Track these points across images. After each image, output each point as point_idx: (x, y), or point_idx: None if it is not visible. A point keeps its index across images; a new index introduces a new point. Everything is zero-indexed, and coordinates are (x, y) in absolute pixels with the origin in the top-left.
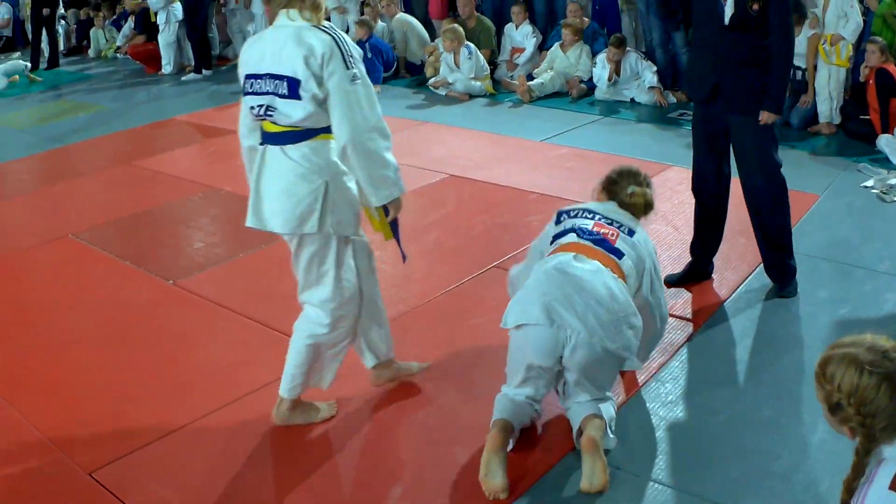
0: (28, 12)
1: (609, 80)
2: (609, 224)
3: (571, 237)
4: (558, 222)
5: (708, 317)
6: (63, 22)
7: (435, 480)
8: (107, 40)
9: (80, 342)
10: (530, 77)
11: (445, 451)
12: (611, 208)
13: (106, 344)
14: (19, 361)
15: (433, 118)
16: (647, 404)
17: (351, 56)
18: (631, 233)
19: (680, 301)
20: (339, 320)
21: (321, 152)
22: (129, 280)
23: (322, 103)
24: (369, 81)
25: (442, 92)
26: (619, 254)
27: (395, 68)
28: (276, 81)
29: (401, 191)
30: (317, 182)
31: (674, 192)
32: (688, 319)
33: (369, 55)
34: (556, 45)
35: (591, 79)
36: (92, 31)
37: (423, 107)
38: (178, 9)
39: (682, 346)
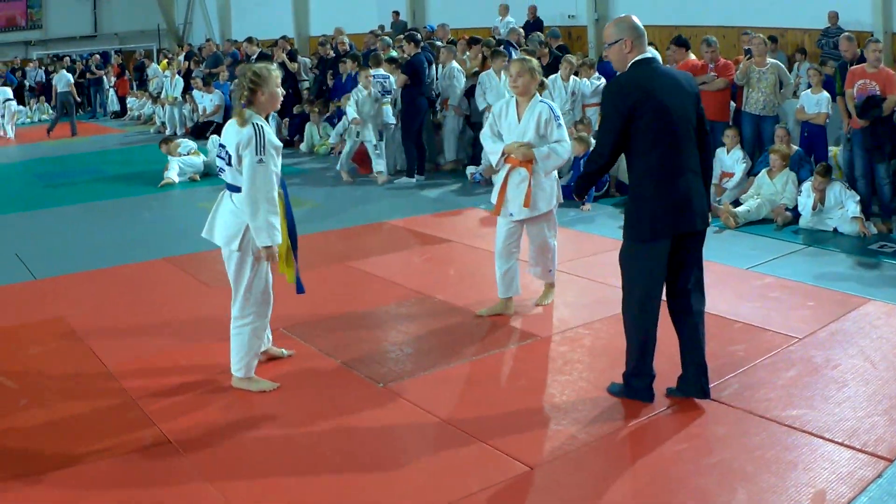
0: None
1: (814, 208)
2: None
3: None
4: None
5: None
6: (275, 115)
7: None
8: (320, 136)
9: (288, 434)
10: (737, 203)
11: None
12: None
13: (313, 438)
14: (224, 445)
15: None
16: None
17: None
18: None
19: (872, 437)
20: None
21: None
22: (338, 379)
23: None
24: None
25: None
26: None
27: (606, 187)
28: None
29: (272, 242)
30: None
31: (873, 327)
32: (877, 456)
33: (582, 171)
34: (764, 171)
35: (795, 206)
36: (307, 126)
37: None
38: (387, 112)
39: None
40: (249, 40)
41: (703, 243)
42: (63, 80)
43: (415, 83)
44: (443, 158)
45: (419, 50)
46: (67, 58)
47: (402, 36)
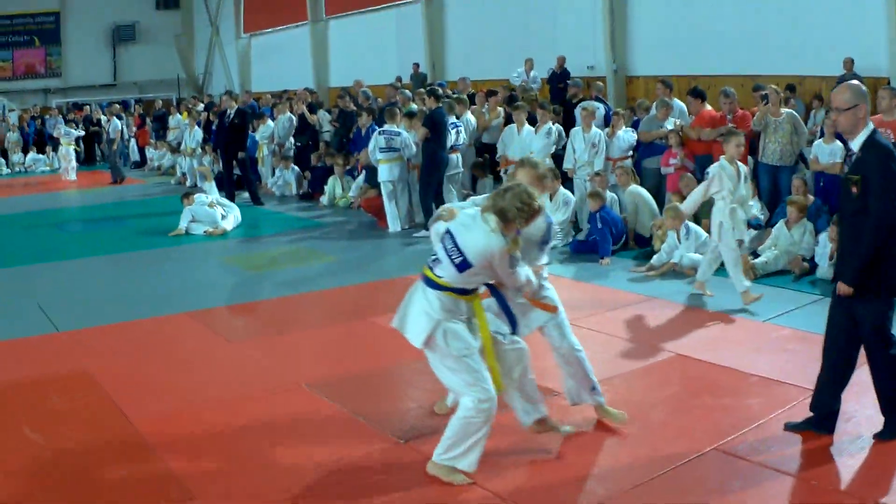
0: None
1: (830, 258)
2: None
3: None
4: None
5: None
6: (295, 168)
7: None
8: (343, 189)
9: (314, 491)
10: (754, 254)
11: None
12: None
13: (339, 496)
14: None
15: (659, 293)
16: None
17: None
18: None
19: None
20: None
21: None
22: (362, 436)
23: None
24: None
25: (650, 275)
26: None
27: (624, 240)
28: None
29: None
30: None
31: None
32: None
33: (599, 225)
34: (781, 221)
35: (813, 257)
36: (330, 179)
37: (650, 281)
38: (388, 168)
39: None
40: (228, 94)
41: None
42: (113, 127)
43: (435, 136)
44: None
45: (440, 104)
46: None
47: (422, 90)
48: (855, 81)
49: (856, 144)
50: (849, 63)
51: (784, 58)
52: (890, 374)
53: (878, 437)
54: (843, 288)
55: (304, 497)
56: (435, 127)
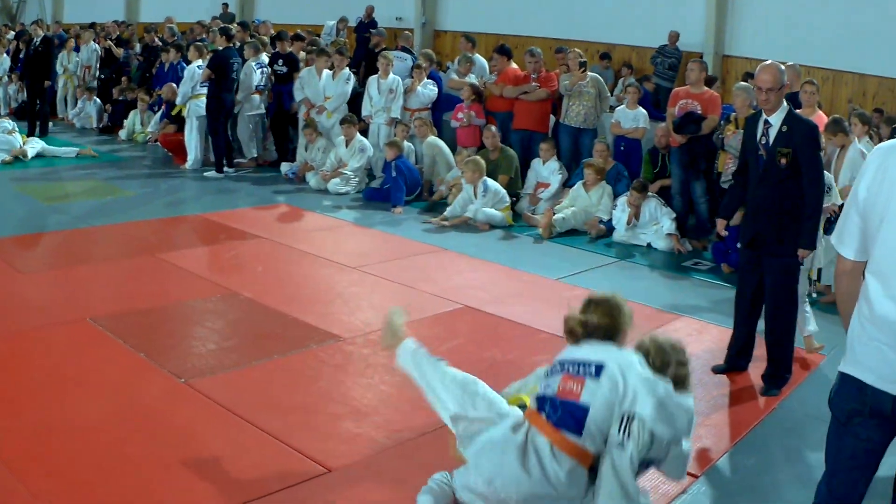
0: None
1: (628, 223)
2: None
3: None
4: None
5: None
6: (97, 100)
7: None
8: (143, 124)
9: (90, 429)
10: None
11: None
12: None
13: (115, 434)
14: (30, 441)
15: (451, 245)
16: None
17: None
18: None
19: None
20: None
21: None
22: (142, 373)
23: None
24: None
25: (445, 223)
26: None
27: (419, 191)
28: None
29: None
30: None
31: None
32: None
33: (394, 174)
34: (579, 183)
35: (610, 220)
36: (131, 114)
37: (442, 232)
38: (201, 104)
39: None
40: (37, 23)
41: None
42: None
43: (219, 78)
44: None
45: (230, 45)
46: None
47: (216, 29)
48: (780, 63)
49: (776, 119)
50: (674, 36)
51: (596, 26)
52: (784, 332)
53: (765, 394)
54: (803, 253)
55: (79, 436)
56: (219, 69)
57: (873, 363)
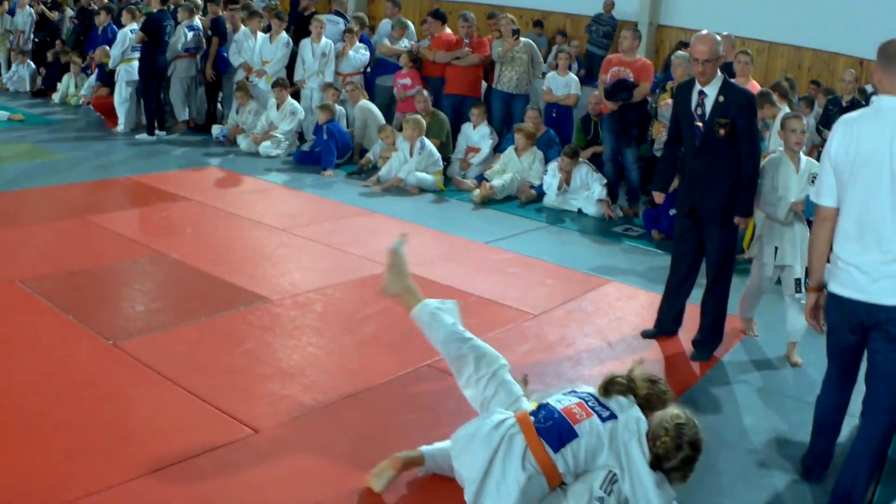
0: None
1: (559, 188)
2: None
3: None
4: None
5: None
6: (31, 63)
7: None
8: (76, 88)
9: (17, 392)
10: (481, 178)
11: None
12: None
13: (41, 396)
14: None
15: (381, 209)
16: None
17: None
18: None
19: None
20: None
21: None
22: (70, 335)
23: None
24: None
25: (376, 189)
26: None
27: (350, 154)
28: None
29: None
30: None
31: (611, 308)
32: None
33: (325, 137)
34: (511, 148)
35: (541, 185)
36: (65, 77)
37: (373, 196)
38: (133, 68)
39: None
40: None
41: None
42: None
43: (152, 41)
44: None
45: (164, 7)
46: None
47: None
48: (715, 34)
49: (711, 90)
50: (609, 5)
51: None
52: (720, 299)
53: (695, 358)
54: (740, 220)
55: (4, 401)
56: (153, 31)
57: (847, 282)
